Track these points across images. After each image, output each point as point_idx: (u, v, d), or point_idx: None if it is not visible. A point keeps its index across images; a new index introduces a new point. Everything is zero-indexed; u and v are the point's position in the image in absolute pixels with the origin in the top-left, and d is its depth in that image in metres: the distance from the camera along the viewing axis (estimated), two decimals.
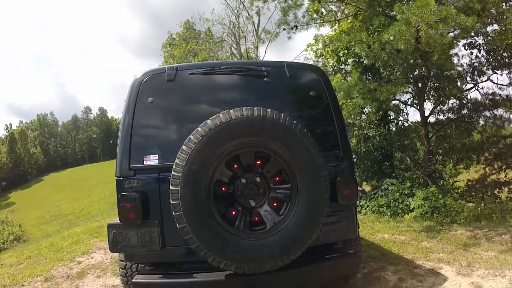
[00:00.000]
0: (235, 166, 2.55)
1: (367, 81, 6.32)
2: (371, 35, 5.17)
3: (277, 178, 2.60)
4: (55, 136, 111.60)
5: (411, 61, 6.35)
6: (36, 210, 47.65)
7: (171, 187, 2.35)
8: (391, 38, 4.64)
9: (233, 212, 2.55)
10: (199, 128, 2.40)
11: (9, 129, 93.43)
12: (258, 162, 2.57)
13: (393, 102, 9.83)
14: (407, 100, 10.07)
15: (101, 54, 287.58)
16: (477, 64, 9.60)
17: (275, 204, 2.58)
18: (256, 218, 2.56)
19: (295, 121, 2.49)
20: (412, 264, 3.99)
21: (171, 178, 2.38)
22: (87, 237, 6.66)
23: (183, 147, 2.36)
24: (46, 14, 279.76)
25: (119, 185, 2.61)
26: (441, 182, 9.29)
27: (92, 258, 5.04)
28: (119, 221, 2.56)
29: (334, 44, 5.47)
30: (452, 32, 5.06)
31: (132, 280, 2.64)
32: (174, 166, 2.37)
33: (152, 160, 2.62)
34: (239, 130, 2.40)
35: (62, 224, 33.61)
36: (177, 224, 2.34)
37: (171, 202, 2.34)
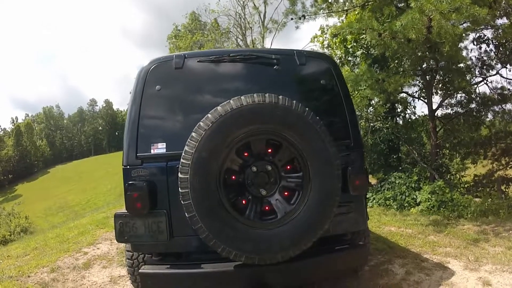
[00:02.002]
0: (246, 154, 2.53)
1: (376, 72, 6.21)
2: (382, 24, 5.04)
3: (289, 167, 2.57)
4: (61, 128, 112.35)
5: (420, 53, 6.23)
6: (43, 202, 48.18)
7: (180, 175, 2.32)
8: (404, 24, 4.52)
9: (244, 201, 2.52)
10: (209, 115, 2.36)
11: (15, 122, 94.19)
12: (269, 150, 2.54)
13: (401, 94, 9.73)
14: (415, 93, 9.98)
15: (105, 47, 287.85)
16: (486, 58, 9.44)
17: (286, 193, 2.55)
18: (267, 208, 2.53)
19: (307, 109, 2.45)
20: (419, 257, 3.96)
21: (180, 166, 2.34)
22: (93, 228, 6.68)
23: (193, 134, 2.33)
24: (49, 7, 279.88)
25: (126, 174, 2.58)
26: (448, 177, 9.19)
27: (98, 249, 5.06)
28: (126, 211, 2.53)
29: (345, 31, 5.35)
30: (463, 24, 4.93)
31: (139, 270, 2.63)
32: (183, 154, 2.34)
33: (160, 148, 2.59)
34: (250, 116, 2.37)
35: (68, 215, 33.92)
36: (186, 213, 2.33)
37: (180, 190, 2.32)
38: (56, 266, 4.38)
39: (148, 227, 2.54)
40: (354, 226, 2.84)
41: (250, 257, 2.37)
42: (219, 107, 2.35)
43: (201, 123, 2.33)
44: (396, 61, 8.07)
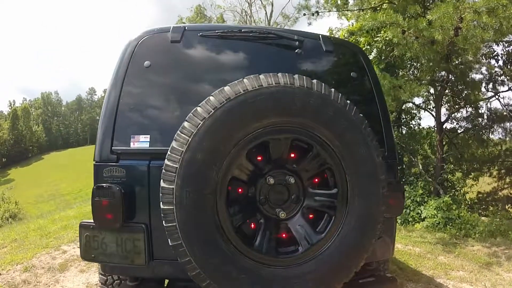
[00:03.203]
0: (260, 158, 1.86)
1: (393, 78, 5.88)
2: (407, 21, 4.68)
3: (317, 180, 1.94)
4: (58, 115, 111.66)
5: (439, 58, 5.88)
6: (35, 188, 47.67)
7: (162, 184, 1.65)
8: (433, 20, 4.12)
9: (253, 225, 1.88)
10: (211, 97, 1.68)
11: (12, 105, 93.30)
12: (293, 155, 1.88)
13: (408, 105, 9.42)
14: (421, 104, 9.67)
15: (108, 38, 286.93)
16: (498, 71, 9.16)
17: (312, 216, 1.92)
18: (285, 236, 1.89)
19: (349, 101, 1.82)
20: (433, 282, 3.61)
21: (163, 170, 1.66)
22: (77, 222, 6.26)
23: (185, 123, 1.66)
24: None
25: (96, 173, 1.98)
26: (452, 192, 8.88)
27: (78, 247, 4.66)
28: (93, 222, 1.94)
29: (368, 23, 4.98)
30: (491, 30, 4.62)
31: None
32: (168, 152, 1.67)
33: (142, 142, 1.97)
34: (271, 104, 1.69)
35: (58, 204, 33.49)
36: (169, 240, 1.67)
37: (162, 206, 1.65)
38: (31, 264, 4.04)
39: (121, 244, 1.94)
40: (383, 254, 2.28)
41: None
42: (226, 87, 1.68)
43: (198, 109, 1.66)
44: (409, 67, 7.75)
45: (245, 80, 1.70)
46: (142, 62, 2.05)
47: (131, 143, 1.98)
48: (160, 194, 1.66)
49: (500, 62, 9.15)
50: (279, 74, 1.73)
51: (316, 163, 1.86)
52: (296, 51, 2.21)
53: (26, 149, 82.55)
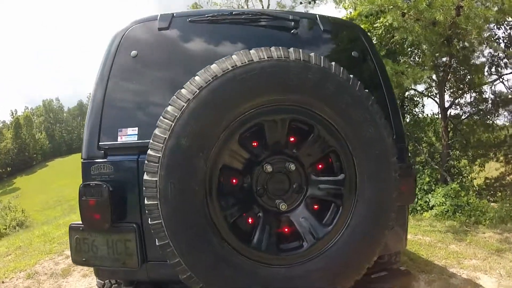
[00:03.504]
0: (255, 143, 1.69)
1: (394, 64, 5.72)
2: (406, 3, 4.53)
3: (321, 166, 1.76)
4: (61, 121, 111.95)
5: (442, 40, 5.70)
6: (41, 196, 47.91)
7: (145, 176, 1.50)
8: (432, 0, 3.97)
9: (250, 220, 1.70)
10: (197, 76, 1.52)
11: (14, 115, 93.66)
12: (292, 139, 1.71)
13: (410, 92, 9.26)
14: (424, 91, 9.50)
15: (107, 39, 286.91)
16: (501, 55, 8.97)
17: (316, 206, 1.74)
18: (287, 230, 1.71)
19: (352, 76, 1.65)
20: (446, 272, 3.50)
21: (146, 161, 1.51)
22: None
23: (169, 108, 1.50)
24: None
25: (84, 171, 1.87)
26: (460, 179, 8.72)
27: None
28: (82, 223, 1.83)
29: (366, 8, 4.83)
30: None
31: None
32: (151, 141, 1.51)
33: (130, 135, 1.85)
34: (264, 81, 1.52)
35: (64, 209, 33.60)
36: (156, 240, 1.52)
37: (146, 202, 1.51)
38: (34, 271, 4.03)
39: (112, 246, 1.80)
40: (395, 246, 2.11)
41: None
42: (213, 65, 1.53)
43: (182, 90, 1.51)
44: (410, 54, 7.60)
45: (233, 56, 1.54)
46: (128, 53, 1.94)
47: (119, 137, 1.86)
48: (144, 188, 1.50)
49: (502, 45, 8.99)
50: (272, 48, 1.56)
51: (318, 146, 1.68)
52: (292, 31, 2.07)
53: (30, 157, 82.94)
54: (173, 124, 1.47)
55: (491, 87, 8.96)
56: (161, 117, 1.51)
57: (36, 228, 8.35)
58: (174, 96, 1.52)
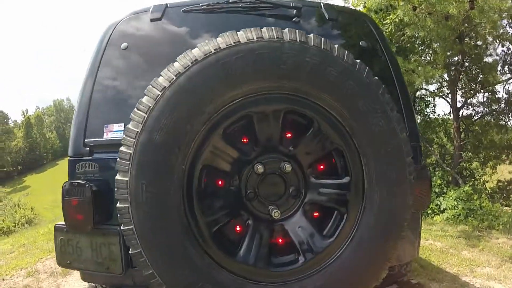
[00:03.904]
0: (244, 139, 1.50)
1: (405, 61, 5.54)
2: None
3: (322, 166, 1.56)
4: (71, 121, 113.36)
5: (454, 37, 5.50)
6: (51, 194, 48.50)
7: (117, 176, 1.36)
8: None
9: (237, 228, 1.51)
10: (175, 62, 1.33)
11: (25, 114, 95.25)
12: (288, 135, 1.51)
13: (421, 92, 9.05)
14: (436, 90, 9.27)
15: None
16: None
17: (316, 214, 1.54)
18: (280, 241, 1.51)
19: (359, 60, 1.43)
20: (458, 281, 3.32)
21: (118, 158, 1.35)
22: None
23: (144, 98, 1.33)
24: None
25: (70, 169, 1.76)
26: (472, 181, 8.48)
27: None
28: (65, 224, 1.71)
29: (375, 2, 4.67)
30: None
31: None
32: (123, 135, 1.35)
33: (116, 131, 1.71)
34: (252, 64, 1.31)
35: None
36: (130, 248, 1.35)
37: (117, 204, 1.35)
38: (34, 269, 4.03)
39: (96, 250, 1.67)
40: (406, 256, 1.88)
41: None
42: (194, 49, 1.34)
43: (159, 78, 1.34)
44: (420, 53, 7.40)
45: (218, 37, 1.34)
46: (119, 45, 1.83)
47: (104, 134, 1.75)
48: (116, 189, 1.34)
49: None
50: (264, 28, 1.36)
51: (319, 143, 1.46)
52: (294, 19, 1.91)
53: (41, 156, 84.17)
54: (146, 116, 1.29)
55: (504, 86, 8.70)
56: (134, 109, 1.34)
57: (42, 226, 8.38)
58: (150, 85, 1.34)
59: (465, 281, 3.34)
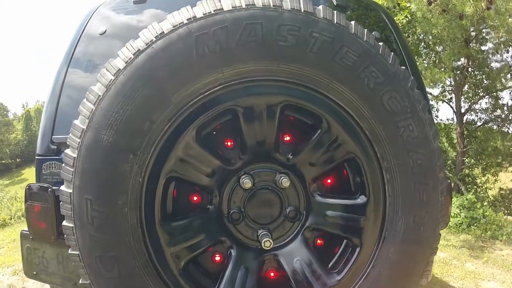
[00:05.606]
0: (228, 143, 1.18)
1: None
2: None
3: (331, 181, 1.23)
4: None
5: (465, 36, 5.30)
6: None
7: (62, 186, 1.07)
8: None
9: (216, 259, 1.19)
10: (136, 40, 1.00)
11: (25, 107, 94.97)
12: (287, 138, 1.19)
13: None
14: (439, 95, 9.10)
15: None
16: None
17: (320, 242, 1.24)
18: (273, 276, 1.19)
19: (381, 44, 1.07)
20: None
21: (63, 163, 1.05)
22: None
23: (96, 86, 1.03)
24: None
25: (37, 169, 1.58)
26: (474, 189, 8.33)
27: None
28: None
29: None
30: None
31: None
32: (69, 134, 1.03)
33: None
34: (237, 39, 0.96)
35: None
36: (80, 279, 1.10)
37: (63, 222, 1.08)
38: (20, 268, 3.87)
39: (62, 263, 1.46)
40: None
41: None
42: (163, 21, 1.03)
43: (109, 63, 1.03)
44: (424, 56, 7.24)
45: (192, 6, 1.00)
46: (96, 30, 1.63)
47: None
48: (60, 203, 1.05)
49: None
50: None
51: (328, 150, 1.09)
52: None
53: None
54: (94, 108, 0.96)
55: (510, 93, 8.56)
56: (83, 100, 1.02)
57: None
58: (104, 68, 1.01)
59: None
